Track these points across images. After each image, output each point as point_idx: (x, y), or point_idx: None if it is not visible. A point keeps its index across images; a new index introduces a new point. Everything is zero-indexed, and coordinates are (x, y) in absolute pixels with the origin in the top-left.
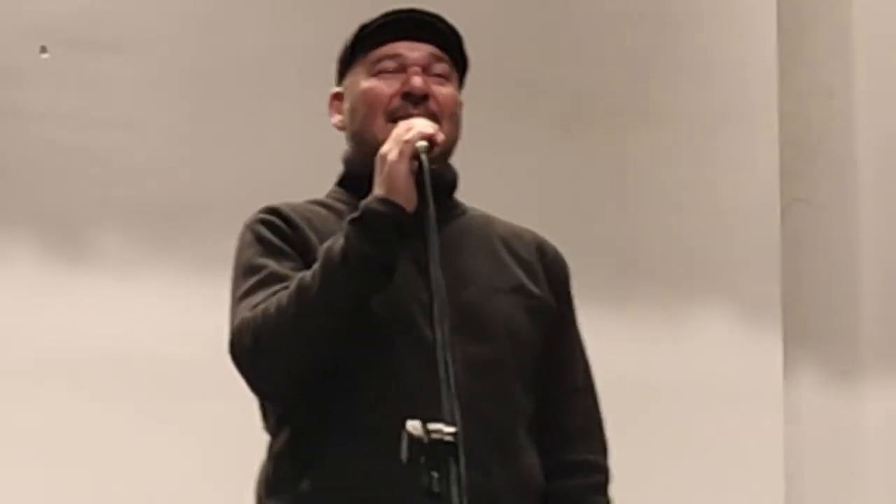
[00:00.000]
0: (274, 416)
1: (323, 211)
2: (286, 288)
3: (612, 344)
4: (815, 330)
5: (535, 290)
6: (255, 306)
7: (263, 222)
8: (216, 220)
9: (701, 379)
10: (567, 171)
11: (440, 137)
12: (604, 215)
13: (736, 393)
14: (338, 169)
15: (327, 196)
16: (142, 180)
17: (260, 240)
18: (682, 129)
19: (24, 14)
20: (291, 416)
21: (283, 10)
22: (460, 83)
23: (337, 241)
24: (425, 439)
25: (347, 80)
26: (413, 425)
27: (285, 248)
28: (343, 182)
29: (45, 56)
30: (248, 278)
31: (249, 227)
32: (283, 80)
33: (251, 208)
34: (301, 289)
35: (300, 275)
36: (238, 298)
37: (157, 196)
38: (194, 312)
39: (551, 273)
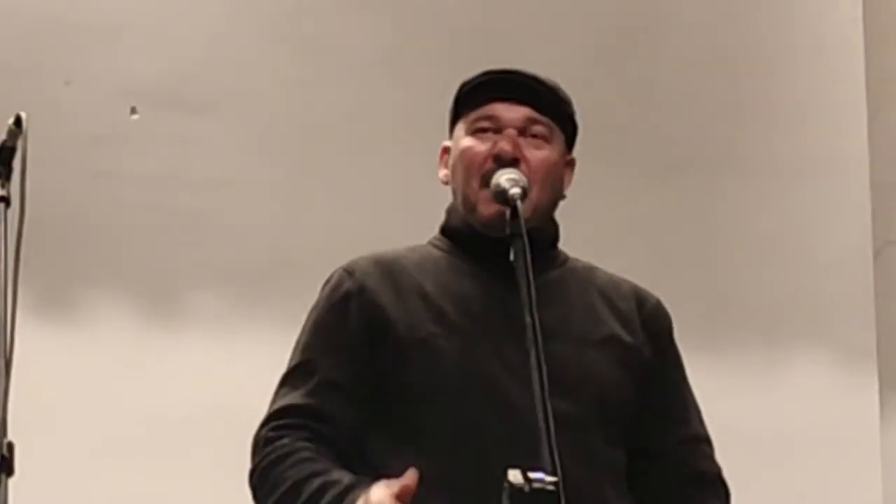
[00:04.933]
0: None
1: (422, 252)
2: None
3: (706, 393)
4: None
5: (630, 340)
6: (282, 403)
7: (332, 298)
8: (309, 278)
9: (797, 427)
10: (660, 219)
11: None
12: (696, 264)
13: (833, 440)
14: (433, 225)
15: (429, 241)
16: (234, 239)
17: (317, 324)
18: (773, 174)
19: (114, 75)
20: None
21: (372, 65)
22: (570, 143)
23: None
24: (526, 488)
25: (453, 136)
26: (514, 475)
27: (336, 338)
28: (445, 231)
29: (135, 117)
30: (294, 359)
31: (322, 296)
32: (374, 136)
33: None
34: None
35: (296, 480)
36: (284, 375)
37: (249, 255)
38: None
39: (651, 324)
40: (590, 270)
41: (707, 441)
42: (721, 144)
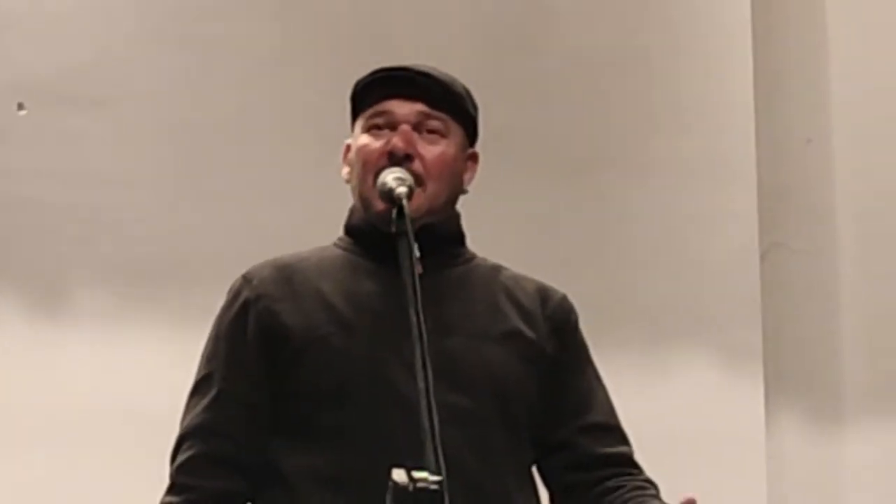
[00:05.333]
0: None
1: (324, 253)
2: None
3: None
4: (796, 376)
5: (532, 335)
6: (188, 422)
7: (231, 308)
8: (198, 275)
9: (683, 428)
10: (549, 219)
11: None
12: (583, 266)
13: (718, 441)
14: (317, 225)
15: (335, 243)
16: (123, 236)
17: (217, 334)
18: (661, 177)
19: (1, 71)
20: (270, 476)
21: (261, 64)
22: (471, 137)
23: None
24: (410, 487)
25: (353, 133)
26: (398, 474)
27: (235, 348)
28: (347, 230)
29: (22, 113)
30: (199, 371)
31: (223, 305)
32: (262, 134)
33: (233, 262)
34: None
35: None
36: (192, 386)
37: (138, 252)
38: (176, 367)
39: (554, 319)
40: (496, 269)
41: (614, 428)
42: (611, 145)
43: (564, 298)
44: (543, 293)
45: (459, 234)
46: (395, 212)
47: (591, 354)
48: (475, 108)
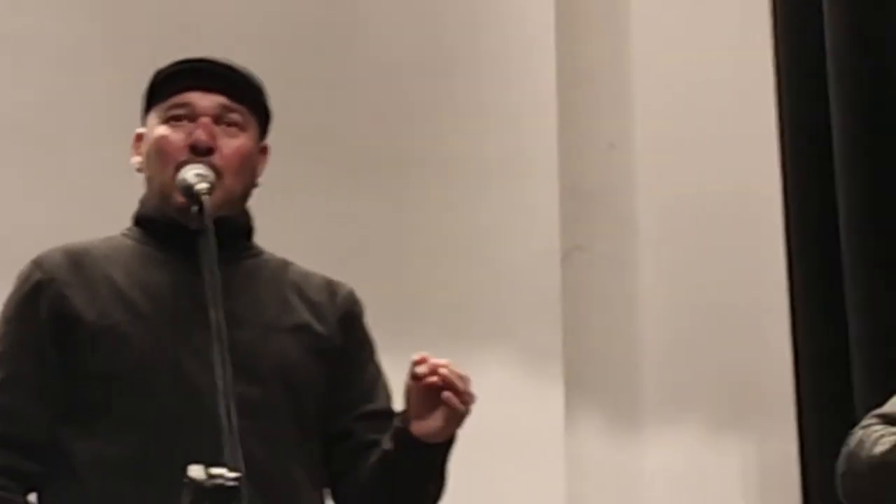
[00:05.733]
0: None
1: (113, 242)
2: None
3: (392, 394)
4: (595, 379)
5: (321, 329)
6: None
7: (21, 291)
8: None
9: (482, 430)
10: (352, 218)
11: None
12: (384, 266)
13: (518, 443)
14: (122, 217)
15: (122, 232)
16: None
17: (7, 317)
18: (463, 178)
19: None
20: (59, 462)
21: (61, 58)
22: (263, 130)
23: None
24: (207, 484)
25: (147, 123)
26: (195, 470)
27: (25, 330)
28: (139, 222)
29: None
30: None
31: (13, 289)
32: (61, 128)
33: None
34: None
35: None
36: None
37: None
38: None
39: (342, 312)
40: (284, 264)
41: (392, 415)
42: (414, 146)
43: (351, 292)
44: (331, 287)
45: (249, 227)
46: (195, 208)
47: (393, 355)
48: (267, 101)
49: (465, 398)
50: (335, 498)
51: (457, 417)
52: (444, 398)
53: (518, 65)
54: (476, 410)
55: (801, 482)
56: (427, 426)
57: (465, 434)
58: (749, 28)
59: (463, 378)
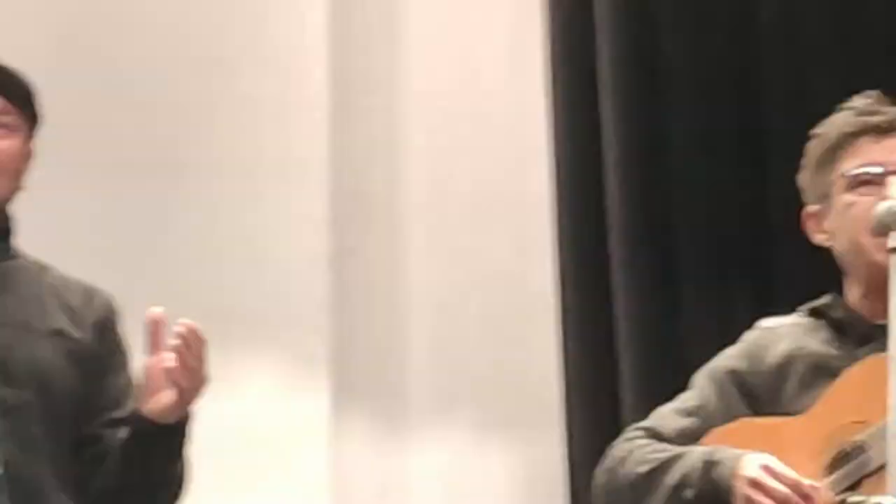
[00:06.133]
0: None
1: None
2: None
3: None
4: (363, 383)
5: (78, 335)
6: None
7: None
8: None
9: (248, 433)
10: (115, 220)
11: None
12: (151, 266)
13: (283, 447)
14: None
15: None
16: None
17: None
18: (231, 179)
19: None
20: None
21: None
22: (32, 134)
23: None
24: None
25: None
26: None
27: None
28: None
29: None
30: None
31: None
32: None
33: None
34: None
35: None
36: None
37: None
38: None
39: (97, 318)
40: (42, 268)
41: None
42: (184, 146)
43: (108, 300)
44: (89, 294)
45: (7, 229)
46: None
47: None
48: (38, 104)
49: (195, 376)
50: (85, 500)
51: (187, 395)
52: (171, 377)
53: (290, 66)
54: (241, 414)
55: (568, 485)
56: (158, 403)
57: (231, 437)
58: (522, 33)
59: (196, 353)
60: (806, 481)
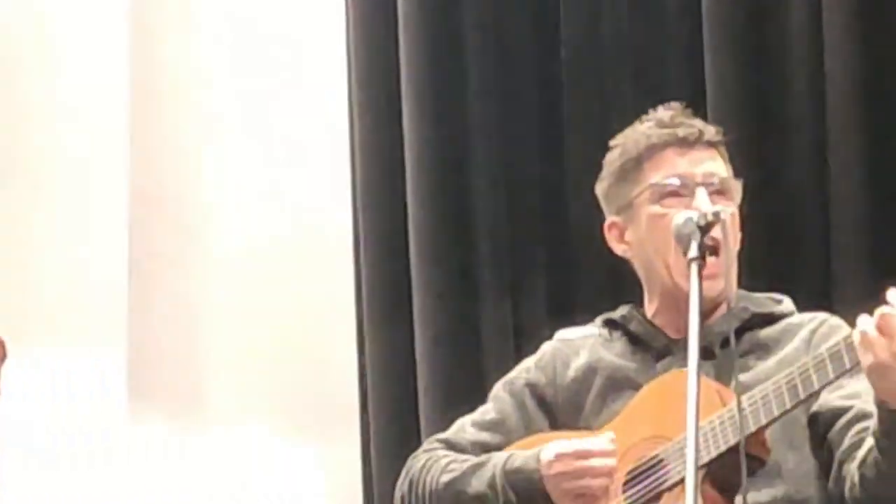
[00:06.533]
0: None
1: None
2: None
3: None
4: (162, 384)
5: None
6: None
7: None
8: None
9: (43, 434)
10: None
11: None
12: None
13: (80, 449)
14: None
15: None
16: None
17: None
18: (26, 180)
19: None
20: None
21: None
22: None
23: None
24: None
25: None
26: None
27: None
28: None
29: None
30: None
31: None
32: None
33: None
34: None
35: None
36: None
37: None
38: None
39: None
40: None
41: None
42: None
43: None
44: None
45: None
46: None
47: None
48: None
49: None
50: None
51: None
52: None
53: (89, 66)
54: (39, 415)
55: (364, 491)
56: None
57: (26, 440)
58: (323, 39)
59: None
60: (595, 441)
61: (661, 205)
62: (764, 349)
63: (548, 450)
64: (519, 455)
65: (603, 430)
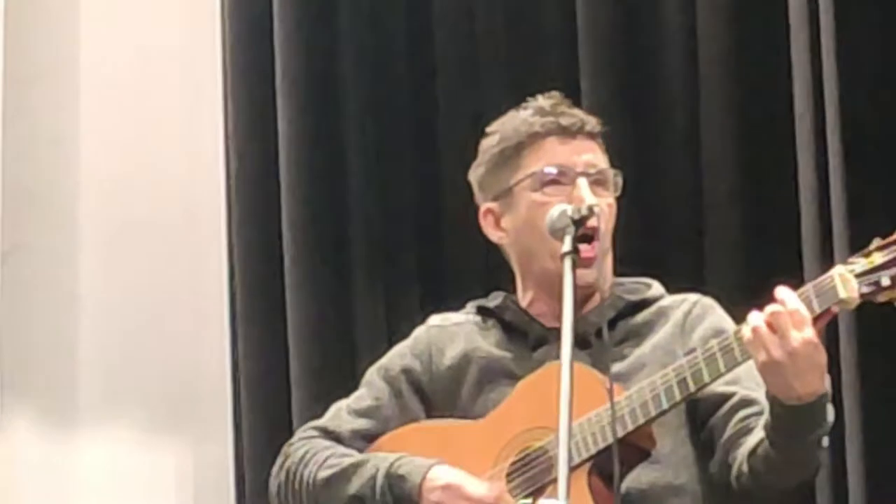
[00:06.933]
0: None
1: None
2: None
3: None
4: (32, 378)
5: None
6: None
7: None
8: None
9: None
10: None
11: None
12: None
13: None
14: None
15: None
16: None
17: None
18: None
19: None
20: None
21: None
22: None
23: None
24: None
25: None
26: None
27: None
28: None
29: None
30: None
31: None
32: None
33: None
34: None
35: None
36: None
37: None
38: None
39: None
40: None
41: None
42: None
43: None
44: None
45: None
46: None
47: None
48: None
49: None
50: None
51: None
52: None
53: None
54: None
55: (236, 484)
56: None
57: None
58: (197, 32)
59: None
60: (490, 494)
61: (541, 193)
62: (638, 335)
63: (438, 472)
64: (406, 463)
65: (484, 419)
